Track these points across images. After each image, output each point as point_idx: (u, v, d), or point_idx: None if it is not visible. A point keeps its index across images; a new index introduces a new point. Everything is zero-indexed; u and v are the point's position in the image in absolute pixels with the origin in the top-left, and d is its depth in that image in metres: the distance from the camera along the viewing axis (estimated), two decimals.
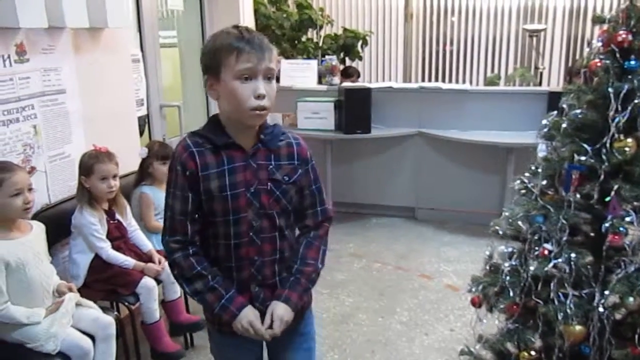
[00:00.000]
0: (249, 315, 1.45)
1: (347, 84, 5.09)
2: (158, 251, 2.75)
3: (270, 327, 1.46)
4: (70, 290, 2.22)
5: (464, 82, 6.85)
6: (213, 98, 1.44)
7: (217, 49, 1.37)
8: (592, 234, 1.78)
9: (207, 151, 1.42)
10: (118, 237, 2.59)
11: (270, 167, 1.45)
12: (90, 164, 2.46)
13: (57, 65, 2.56)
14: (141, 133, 3.45)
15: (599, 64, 1.67)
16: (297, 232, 1.60)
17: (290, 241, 1.55)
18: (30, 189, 2.09)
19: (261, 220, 1.46)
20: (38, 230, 2.18)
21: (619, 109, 1.61)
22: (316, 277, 1.56)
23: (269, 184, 1.45)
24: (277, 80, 5.30)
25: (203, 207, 1.44)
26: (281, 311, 1.47)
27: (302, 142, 1.54)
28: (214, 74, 1.39)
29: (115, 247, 2.55)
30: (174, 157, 1.46)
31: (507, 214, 1.86)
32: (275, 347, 1.64)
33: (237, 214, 1.43)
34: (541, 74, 6.25)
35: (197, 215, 1.46)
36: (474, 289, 1.94)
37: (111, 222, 2.57)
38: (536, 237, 1.74)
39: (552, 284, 1.69)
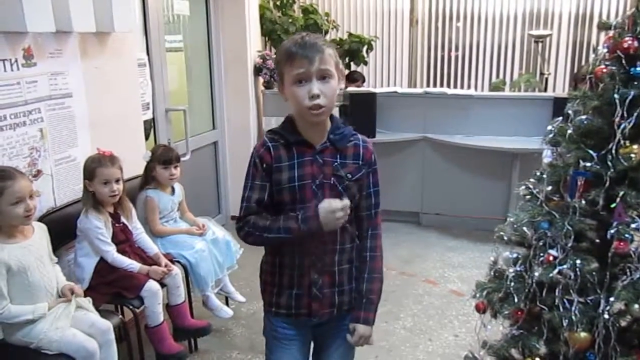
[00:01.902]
0: (322, 203, 1.49)
1: (352, 88, 5.10)
2: (163, 255, 2.76)
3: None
4: (73, 292, 2.22)
5: (469, 87, 6.83)
6: (285, 101, 1.56)
7: (279, 59, 1.52)
8: (597, 241, 1.78)
9: (281, 146, 1.56)
10: (123, 240, 2.60)
11: (335, 163, 1.56)
12: (93, 168, 2.47)
13: (64, 69, 2.58)
14: (147, 137, 3.46)
15: (604, 70, 1.67)
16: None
17: (351, 235, 1.64)
18: (31, 196, 2.08)
19: None
20: (40, 232, 2.18)
21: (625, 115, 1.61)
22: (382, 285, 1.69)
23: (332, 179, 1.55)
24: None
25: (273, 199, 1.56)
26: (363, 330, 1.65)
27: (370, 145, 1.65)
28: (281, 80, 1.54)
29: (121, 251, 2.55)
30: (252, 153, 1.58)
31: (512, 219, 1.86)
32: (323, 333, 1.73)
33: (303, 203, 1.53)
34: (546, 79, 6.23)
35: (270, 207, 1.57)
36: (478, 295, 1.94)
37: (117, 225, 2.58)
38: (541, 243, 1.74)
39: (557, 290, 1.69)
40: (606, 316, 1.62)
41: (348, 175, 1.57)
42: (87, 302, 2.27)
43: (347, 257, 1.64)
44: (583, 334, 1.65)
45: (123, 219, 2.63)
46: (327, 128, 1.58)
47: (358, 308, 1.66)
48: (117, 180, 2.51)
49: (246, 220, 1.56)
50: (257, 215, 1.55)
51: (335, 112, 4.63)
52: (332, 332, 1.71)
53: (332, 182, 1.55)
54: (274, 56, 1.59)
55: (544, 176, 1.81)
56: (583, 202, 1.69)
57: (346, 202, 1.49)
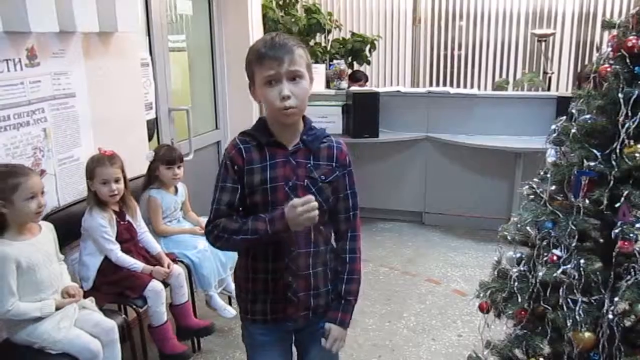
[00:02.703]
0: (291, 202, 1.46)
1: (355, 88, 5.10)
2: (166, 254, 2.76)
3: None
4: (70, 294, 2.23)
5: (472, 86, 6.83)
6: (256, 102, 1.56)
7: (249, 60, 1.51)
8: (601, 240, 1.77)
9: (253, 148, 1.54)
10: (128, 239, 2.60)
11: (309, 165, 1.55)
12: (93, 168, 2.48)
13: (68, 69, 2.58)
14: (150, 137, 3.47)
15: (608, 69, 1.66)
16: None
17: (326, 237, 1.63)
18: (42, 193, 2.12)
19: None
20: (47, 231, 2.20)
21: (629, 114, 1.60)
22: (359, 287, 1.69)
23: (305, 180, 1.54)
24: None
25: (246, 202, 1.54)
26: (337, 333, 1.63)
27: (344, 147, 1.64)
28: (252, 81, 1.53)
29: (125, 250, 2.56)
30: (224, 155, 1.57)
31: (515, 219, 1.86)
32: (303, 337, 1.73)
33: (276, 205, 1.51)
34: (550, 78, 6.22)
35: (240, 210, 1.56)
36: (481, 295, 1.93)
37: (122, 223, 2.59)
38: (545, 243, 1.74)
39: (561, 290, 1.68)
40: (610, 316, 1.61)
41: (322, 177, 1.56)
42: (90, 302, 2.28)
43: (321, 259, 1.62)
44: (587, 334, 1.64)
45: (128, 217, 2.64)
46: (300, 129, 1.57)
47: (335, 309, 1.65)
48: (117, 180, 2.50)
49: (215, 224, 1.53)
50: (227, 219, 1.53)
51: (338, 111, 4.65)
52: (312, 336, 1.68)
53: (305, 184, 1.54)
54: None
55: (548, 176, 1.81)
56: (587, 201, 1.69)
57: (308, 197, 1.45)
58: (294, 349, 1.78)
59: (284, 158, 1.53)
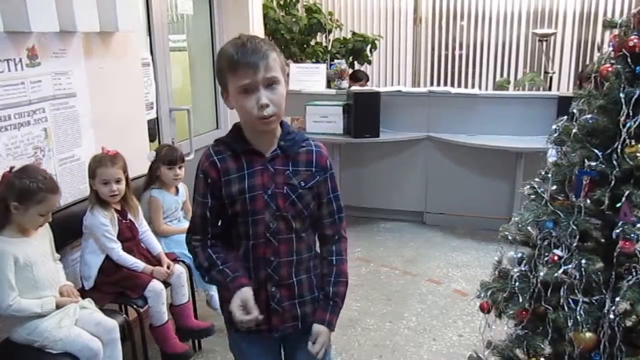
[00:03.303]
0: (245, 292, 1.46)
1: (356, 88, 5.09)
2: (167, 254, 2.76)
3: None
4: (71, 294, 2.24)
5: (473, 86, 6.82)
6: (230, 108, 1.50)
7: (221, 67, 1.44)
8: (602, 240, 1.77)
9: (229, 157, 1.49)
10: (129, 238, 2.60)
11: (288, 172, 1.50)
12: (94, 168, 2.49)
13: (68, 69, 2.58)
14: (151, 136, 3.47)
15: (610, 69, 1.66)
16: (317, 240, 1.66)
17: (308, 244, 1.59)
18: (55, 212, 2.17)
19: (277, 222, 1.51)
20: (43, 229, 2.21)
21: (630, 114, 1.60)
22: (346, 289, 1.65)
23: (285, 187, 1.50)
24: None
25: (227, 210, 1.51)
26: (325, 338, 1.58)
27: (324, 150, 1.59)
28: (225, 89, 1.46)
29: (127, 249, 2.56)
30: (198, 165, 1.54)
31: (516, 219, 1.86)
32: (291, 347, 1.68)
33: (255, 215, 1.49)
34: (551, 78, 6.22)
35: (218, 220, 1.55)
36: (482, 295, 1.93)
37: (123, 222, 2.59)
38: (546, 243, 1.73)
39: (562, 290, 1.68)
40: (611, 316, 1.61)
41: (301, 183, 1.51)
42: (89, 302, 2.29)
43: (304, 266, 1.58)
44: (588, 334, 1.64)
45: (130, 216, 2.64)
46: (277, 135, 1.52)
47: (323, 309, 1.60)
48: (118, 181, 2.50)
49: (192, 244, 1.56)
50: (201, 247, 1.55)
51: (339, 111, 4.65)
52: (300, 345, 1.62)
53: (284, 192, 1.49)
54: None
55: (549, 175, 1.80)
56: (588, 201, 1.68)
57: (251, 317, 1.44)
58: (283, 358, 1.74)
59: (262, 166, 1.49)
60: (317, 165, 1.54)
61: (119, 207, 2.58)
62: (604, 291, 1.66)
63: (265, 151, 1.50)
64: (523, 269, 1.82)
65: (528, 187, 1.89)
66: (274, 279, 1.54)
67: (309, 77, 5.02)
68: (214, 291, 2.98)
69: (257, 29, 4.77)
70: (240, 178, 1.48)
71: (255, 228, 1.50)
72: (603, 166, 1.64)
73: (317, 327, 1.58)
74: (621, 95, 1.60)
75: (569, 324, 1.65)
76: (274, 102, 1.41)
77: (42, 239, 2.20)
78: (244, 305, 1.44)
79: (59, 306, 2.13)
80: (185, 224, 3.07)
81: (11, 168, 2.11)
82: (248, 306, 1.45)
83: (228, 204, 1.50)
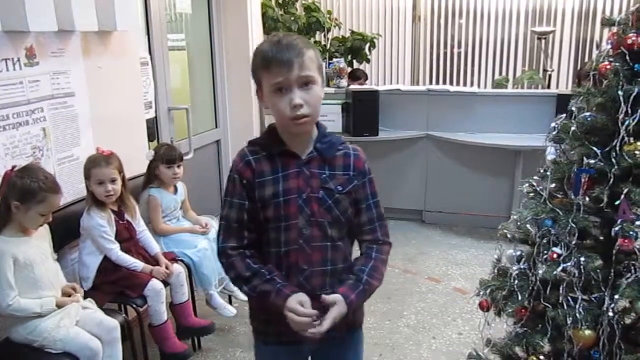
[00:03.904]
0: (301, 296, 1.39)
1: (355, 86, 5.09)
2: (165, 254, 2.76)
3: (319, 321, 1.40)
4: (75, 291, 2.24)
5: (472, 84, 6.82)
6: (265, 108, 1.44)
7: (255, 66, 1.39)
8: (601, 238, 1.77)
9: (263, 159, 1.43)
10: (127, 238, 2.60)
11: (324, 175, 1.44)
12: (88, 168, 2.48)
13: (67, 68, 2.58)
14: (150, 136, 3.46)
15: (608, 67, 1.66)
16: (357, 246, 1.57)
17: (344, 253, 1.50)
18: (54, 212, 2.16)
19: (311, 228, 1.43)
20: (43, 229, 2.21)
21: (629, 112, 1.60)
22: (377, 287, 1.52)
23: (320, 192, 1.43)
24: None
25: (259, 216, 1.44)
26: (339, 311, 1.40)
27: (361, 154, 1.52)
28: (259, 87, 1.41)
29: (125, 249, 2.55)
30: (232, 167, 1.47)
31: (515, 217, 1.86)
32: None
33: (288, 220, 1.42)
34: (550, 76, 6.22)
35: (252, 225, 1.45)
36: (482, 293, 1.93)
37: (120, 222, 2.58)
38: (545, 241, 1.74)
39: (561, 288, 1.68)
40: (610, 314, 1.61)
41: (338, 187, 1.44)
42: (90, 302, 2.29)
43: (338, 278, 1.47)
44: (587, 332, 1.64)
45: (127, 217, 2.63)
46: (314, 137, 1.45)
47: (351, 288, 1.44)
48: (113, 181, 2.49)
49: (228, 253, 1.45)
50: (240, 257, 1.43)
51: (338, 109, 4.64)
52: (332, 357, 1.57)
53: (319, 196, 1.42)
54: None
55: (548, 173, 1.81)
56: (587, 199, 1.69)
57: (318, 329, 1.35)
58: None
59: (297, 168, 1.42)
60: (355, 169, 1.48)
61: (115, 208, 2.58)
62: (603, 289, 1.67)
63: (301, 153, 1.43)
64: (522, 266, 1.82)
65: (527, 185, 1.89)
66: (305, 289, 1.43)
67: None
68: (213, 290, 2.98)
69: (255, 27, 4.76)
70: (274, 180, 1.42)
71: (288, 234, 1.43)
72: (602, 164, 1.64)
73: (336, 297, 1.40)
74: (620, 92, 1.61)
75: (568, 322, 1.65)
76: (309, 103, 1.35)
77: (42, 238, 2.19)
78: (302, 305, 1.37)
79: (59, 306, 2.13)
80: (184, 223, 3.08)
81: (13, 167, 2.11)
82: (306, 307, 1.37)
83: (260, 207, 1.42)
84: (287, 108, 1.34)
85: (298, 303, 1.37)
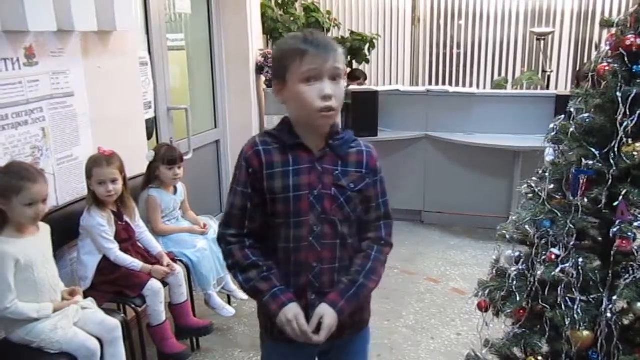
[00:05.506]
0: (295, 309, 1.39)
1: (354, 86, 5.09)
2: (165, 254, 2.76)
3: (316, 332, 1.40)
4: (75, 293, 2.24)
5: (471, 85, 6.82)
6: (280, 102, 1.43)
7: (283, 55, 1.38)
8: (600, 239, 1.78)
9: (275, 150, 1.41)
10: (126, 239, 2.60)
11: (337, 172, 1.43)
12: (90, 168, 2.48)
13: (66, 68, 2.58)
14: (149, 136, 3.46)
15: (607, 68, 1.66)
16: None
17: (353, 251, 1.50)
18: (44, 200, 2.10)
19: (322, 225, 1.42)
20: (45, 231, 2.20)
21: (627, 113, 1.61)
22: (374, 289, 1.52)
23: (333, 189, 1.42)
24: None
25: (267, 208, 1.43)
26: (331, 321, 1.40)
27: (374, 152, 1.51)
28: (281, 79, 1.39)
29: (123, 250, 2.55)
30: (241, 154, 1.45)
31: (514, 218, 1.86)
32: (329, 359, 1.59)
33: (299, 216, 1.41)
34: (549, 77, 6.22)
35: (256, 215, 1.44)
36: (480, 293, 1.94)
37: (119, 223, 2.58)
38: (543, 242, 1.74)
39: (559, 289, 1.69)
40: (609, 314, 1.62)
41: (350, 185, 1.43)
42: (91, 302, 2.29)
43: (347, 272, 1.47)
44: (585, 333, 1.65)
45: (126, 218, 2.63)
46: (327, 133, 1.44)
47: (341, 294, 1.43)
48: (114, 181, 2.49)
49: (227, 240, 1.45)
50: (239, 246, 1.43)
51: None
52: (339, 357, 1.57)
53: (332, 193, 1.41)
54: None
55: (546, 174, 1.81)
56: (585, 200, 1.69)
57: (317, 339, 1.37)
58: None
59: (310, 164, 1.40)
60: (368, 167, 1.47)
61: (115, 209, 2.58)
62: (601, 289, 1.67)
63: (314, 148, 1.42)
64: (520, 267, 1.83)
65: (525, 186, 1.90)
66: (314, 286, 1.43)
67: None
68: (212, 291, 2.98)
69: (255, 28, 4.76)
70: (284, 173, 1.40)
71: (298, 230, 1.41)
72: (600, 165, 1.64)
73: (325, 308, 1.40)
74: (618, 94, 1.61)
75: (567, 323, 1.65)
76: (337, 96, 1.36)
77: (44, 240, 2.18)
78: (297, 320, 1.38)
79: (56, 310, 2.12)
80: (184, 224, 3.08)
81: None
82: (300, 324, 1.38)
83: (269, 200, 1.41)
84: (316, 98, 1.34)
85: (294, 317, 1.38)
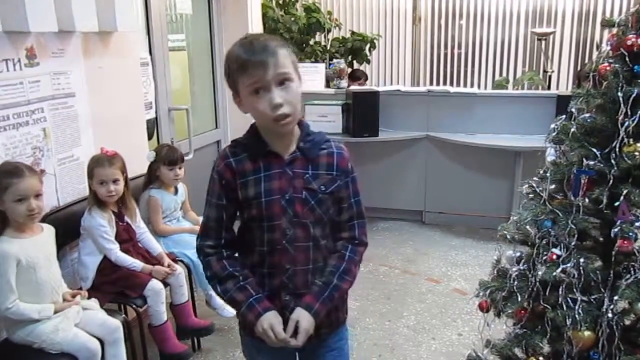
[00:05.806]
0: (271, 318, 1.42)
1: (355, 87, 5.10)
2: (166, 254, 2.76)
3: (294, 336, 1.43)
4: (75, 295, 2.24)
5: (472, 85, 6.83)
6: (244, 113, 1.43)
7: (230, 68, 1.38)
8: (601, 239, 1.77)
9: (245, 159, 1.42)
10: (127, 239, 2.60)
11: (307, 175, 1.43)
12: (92, 168, 2.48)
13: (67, 68, 2.58)
14: (150, 136, 3.47)
15: (608, 68, 1.66)
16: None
17: (326, 252, 1.51)
18: (38, 196, 2.08)
19: (295, 228, 1.44)
20: (48, 232, 2.20)
21: (629, 113, 1.60)
22: (348, 289, 1.54)
23: (303, 192, 1.43)
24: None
25: (242, 215, 1.45)
26: (308, 324, 1.43)
27: (345, 152, 1.51)
28: (235, 91, 1.40)
29: (124, 250, 2.55)
30: (213, 167, 1.47)
31: (515, 218, 1.86)
32: (306, 357, 1.61)
33: (271, 220, 1.42)
34: (550, 77, 6.23)
35: (232, 224, 1.48)
36: (481, 294, 1.93)
37: (120, 224, 2.58)
38: (544, 242, 1.74)
39: (560, 289, 1.68)
40: (610, 315, 1.61)
41: (321, 187, 1.43)
42: (94, 302, 2.29)
43: (320, 275, 1.49)
44: (587, 333, 1.64)
45: (127, 219, 2.64)
46: (296, 135, 1.44)
47: (316, 297, 1.45)
48: (115, 181, 2.49)
49: (205, 252, 1.48)
50: (216, 257, 1.46)
51: (338, 110, 4.65)
52: (316, 355, 1.59)
53: (303, 197, 1.42)
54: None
55: (548, 174, 1.81)
56: (587, 200, 1.69)
57: (295, 343, 1.40)
58: None
59: (280, 169, 1.41)
60: (339, 169, 1.47)
61: (116, 209, 2.58)
62: (602, 290, 1.67)
63: (283, 153, 1.43)
64: (522, 267, 1.82)
65: (527, 186, 1.89)
66: (288, 288, 1.46)
67: (307, 76, 5.01)
68: (212, 291, 2.98)
69: (256, 28, 4.77)
70: (256, 180, 1.41)
71: (272, 234, 1.43)
72: (601, 165, 1.64)
73: (300, 312, 1.43)
74: (619, 94, 1.60)
75: (568, 323, 1.65)
76: (288, 101, 1.34)
77: (47, 240, 2.18)
78: (272, 329, 1.40)
79: (57, 311, 2.12)
80: (184, 224, 3.08)
81: None
82: (276, 332, 1.40)
83: (244, 207, 1.43)
84: (268, 109, 1.33)
85: (269, 326, 1.40)
